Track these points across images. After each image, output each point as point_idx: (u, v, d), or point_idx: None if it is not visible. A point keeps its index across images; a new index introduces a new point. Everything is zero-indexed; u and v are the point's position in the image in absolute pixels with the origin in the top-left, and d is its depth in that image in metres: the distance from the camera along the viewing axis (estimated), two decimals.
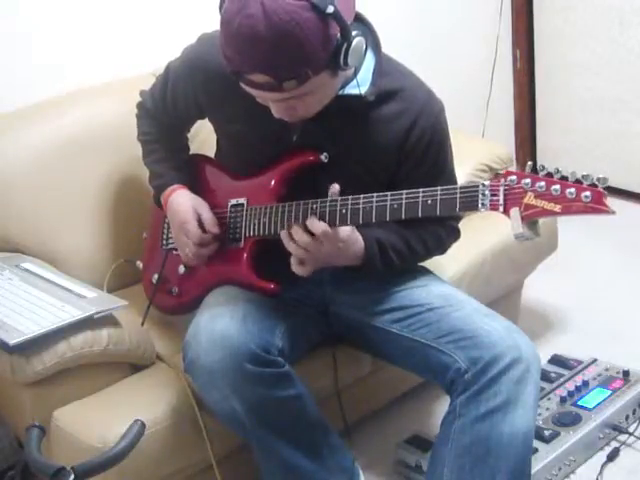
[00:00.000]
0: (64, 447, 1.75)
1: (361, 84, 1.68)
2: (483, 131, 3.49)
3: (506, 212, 1.44)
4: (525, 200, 1.42)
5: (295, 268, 1.68)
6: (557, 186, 1.38)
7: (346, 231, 1.64)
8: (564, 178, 1.39)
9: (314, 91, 1.55)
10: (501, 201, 1.45)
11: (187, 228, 1.82)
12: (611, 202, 1.35)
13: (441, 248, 1.88)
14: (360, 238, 1.69)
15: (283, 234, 1.66)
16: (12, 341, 1.64)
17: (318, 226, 1.61)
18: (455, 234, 1.89)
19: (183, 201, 1.86)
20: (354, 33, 1.51)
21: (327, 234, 1.61)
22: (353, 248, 1.69)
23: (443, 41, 3.36)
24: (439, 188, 1.53)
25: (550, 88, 3.66)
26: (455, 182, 1.82)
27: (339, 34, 1.49)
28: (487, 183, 1.47)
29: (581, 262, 3.04)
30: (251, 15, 1.44)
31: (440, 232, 1.84)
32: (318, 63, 1.48)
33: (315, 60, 1.47)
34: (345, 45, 1.50)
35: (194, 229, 1.82)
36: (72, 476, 1.23)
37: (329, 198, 1.63)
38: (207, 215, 1.84)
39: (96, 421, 1.75)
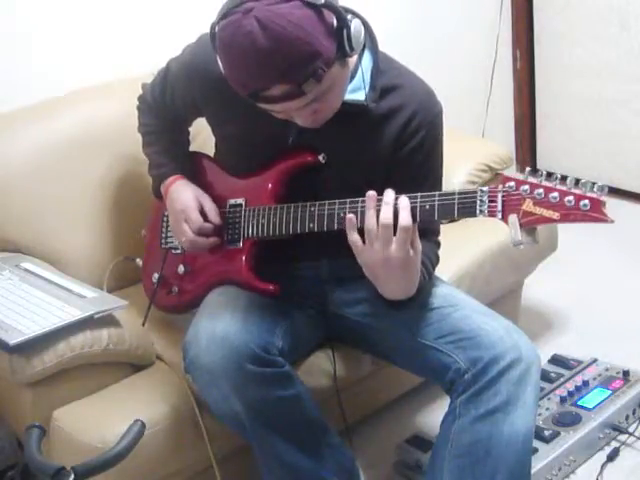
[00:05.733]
0: (64, 447, 1.75)
1: (361, 87, 1.67)
2: (483, 131, 3.50)
3: (504, 219, 1.43)
4: (523, 207, 1.41)
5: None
6: (555, 194, 1.37)
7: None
8: (563, 178, 1.39)
9: (332, 87, 1.54)
10: (499, 207, 1.44)
11: (188, 214, 1.81)
12: (610, 202, 1.35)
13: (437, 263, 1.84)
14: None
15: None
16: (12, 341, 1.64)
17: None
18: (439, 248, 1.85)
19: (185, 190, 1.86)
20: (349, 17, 1.51)
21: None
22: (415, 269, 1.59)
23: (443, 41, 3.36)
24: (437, 193, 1.52)
25: (550, 88, 3.67)
26: (441, 184, 1.79)
27: (335, 21, 1.49)
28: (485, 189, 1.46)
29: (581, 262, 3.05)
30: (249, 32, 1.43)
31: (434, 248, 1.81)
32: (327, 55, 1.48)
33: (324, 52, 1.47)
34: (345, 30, 1.50)
35: (195, 216, 1.81)
36: (72, 476, 1.23)
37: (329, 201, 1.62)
38: (209, 205, 1.83)
39: (96, 421, 1.75)
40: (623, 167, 3.45)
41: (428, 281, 1.76)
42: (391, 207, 1.53)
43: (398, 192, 1.55)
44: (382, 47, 1.75)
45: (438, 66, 3.13)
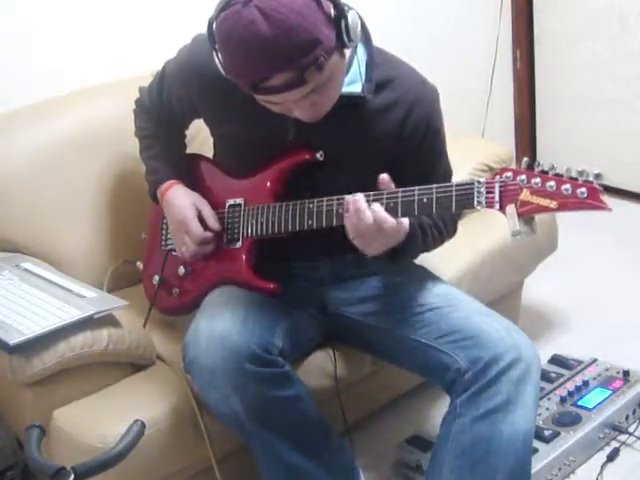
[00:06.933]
0: (64, 447, 1.75)
1: (356, 79, 1.68)
2: (483, 131, 3.49)
3: (502, 209, 1.44)
4: (521, 197, 1.41)
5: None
6: (552, 182, 1.38)
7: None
8: (559, 174, 1.39)
9: (331, 77, 1.55)
10: (497, 198, 1.44)
11: (188, 225, 1.81)
12: (611, 202, 1.35)
13: (454, 226, 1.85)
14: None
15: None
16: (12, 341, 1.64)
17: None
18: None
19: (181, 197, 1.86)
20: (345, 8, 1.52)
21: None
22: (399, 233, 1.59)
23: (443, 41, 3.36)
24: (434, 186, 1.52)
25: (550, 88, 3.67)
26: (450, 170, 1.82)
27: (333, 11, 1.50)
28: (482, 180, 1.46)
29: (581, 262, 3.04)
30: (251, 21, 1.44)
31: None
32: (328, 44, 1.49)
33: (325, 41, 1.48)
34: (343, 21, 1.50)
35: (196, 228, 1.81)
36: (72, 476, 1.23)
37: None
38: (208, 211, 1.83)
39: (96, 421, 1.74)
40: (623, 167, 3.44)
41: (437, 241, 1.80)
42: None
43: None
44: (381, 46, 1.75)
45: (438, 66, 3.11)
